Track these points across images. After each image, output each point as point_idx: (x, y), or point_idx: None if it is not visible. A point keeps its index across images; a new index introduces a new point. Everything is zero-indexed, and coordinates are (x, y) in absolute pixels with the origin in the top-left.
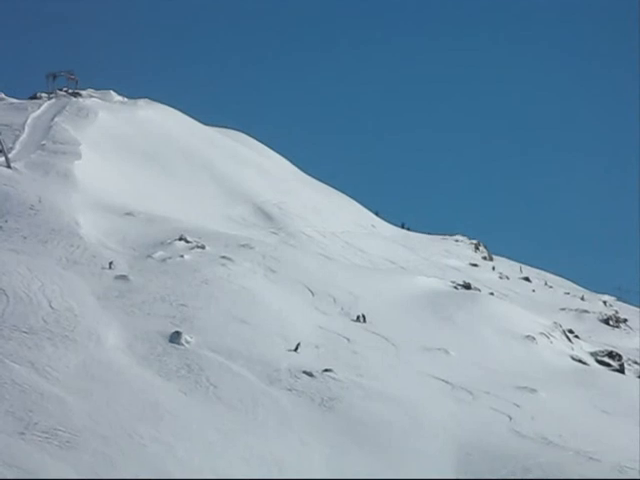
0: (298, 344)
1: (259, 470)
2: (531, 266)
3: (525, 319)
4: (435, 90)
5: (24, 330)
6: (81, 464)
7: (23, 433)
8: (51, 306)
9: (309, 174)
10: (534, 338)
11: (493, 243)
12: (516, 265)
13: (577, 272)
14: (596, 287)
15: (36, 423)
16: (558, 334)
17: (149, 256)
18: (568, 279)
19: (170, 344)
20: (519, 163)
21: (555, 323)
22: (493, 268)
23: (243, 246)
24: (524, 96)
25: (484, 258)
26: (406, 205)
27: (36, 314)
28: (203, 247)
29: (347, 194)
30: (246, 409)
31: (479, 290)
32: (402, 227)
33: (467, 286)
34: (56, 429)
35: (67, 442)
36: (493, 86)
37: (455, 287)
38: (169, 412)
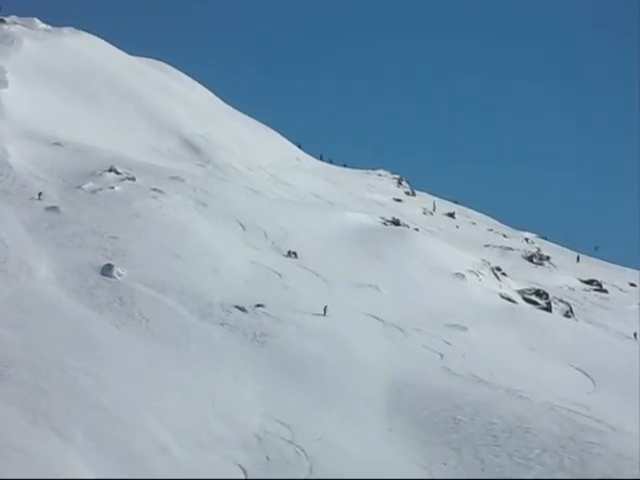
0: (325, 307)
1: (192, 404)
2: (452, 201)
3: (454, 256)
4: (360, 22)
5: None
6: (13, 396)
7: None
8: None
9: (233, 106)
10: (463, 276)
11: (415, 178)
12: (438, 200)
13: (498, 209)
14: (517, 224)
15: None
16: (487, 272)
17: (79, 187)
18: (490, 215)
19: (102, 277)
20: (440, 96)
21: (483, 260)
22: (433, 206)
23: (174, 179)
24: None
25: (407, 193)
26: (327, 138)
27: None
28: (133, 179)
29: (270, 126)
30: (178, 343)
31: (407, 226)
32: (321, 159)
33: (396, 222)
34: None
35: None
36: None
37: (384, 223)
38: (101, 345)
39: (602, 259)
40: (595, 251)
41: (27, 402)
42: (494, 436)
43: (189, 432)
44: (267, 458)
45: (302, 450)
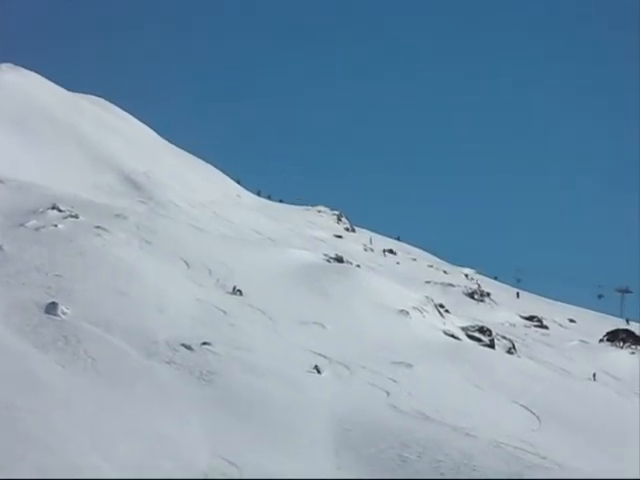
0: (316, 366)
1: (139, 443)
2: (394, 238)
3: (397, 293)
4: (295, 54)
5: None
6: None
7: None
8: None
9: (170, 141)
10: (408, 312)
11: (354, 214)
12: (379, 237)
13: (436, 245)
14: (455, 260)
15: None
16: (430, 308)
17: (22, 225)
18: (429, 251)
19: (46, 315)
20: (375, 133)
21: (427, 297)
22: (371, 241)
23: (117, 216)
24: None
25: (347, 229)
26: (264, 173)
27: None
28: (77, 216)
29: (208, 161)
30: (125, 382)
31: (351, 263)
32: (259, 195)
33: (339, 259)
34: None
35: None
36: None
37: (327, 260)
38: (46, 384)
39: (540, 294)
40: (519, 283)
41: None
42: (441, 473)
43: (137, 471)
44: None
45: None
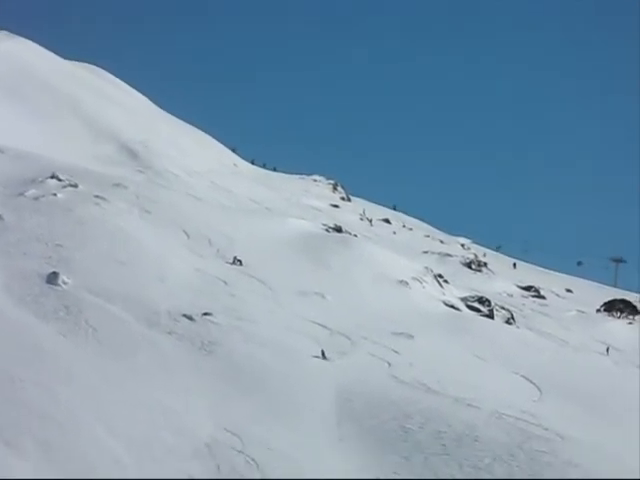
0: (322, 351)
1: (142, 414)
2: (390, 207)
3: (397, 264)
4: (301, 23)
5: None
6: None
7: None
8: None
9: (167, 110)
10: (407, 283)
11: (349, 183)
12: (374, 206)
13: (432, 214)
14: (451, 229)
15: None
16: (430, 279)
17: (21, 194)
18: (424, 221)
19: (47, 285)
20: (368, 101)
21: (426, 268)
22: (364, 212)
23: (116, 185)
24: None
25: (342, 199)
26: (259, 141)
27: None
28: (76, 186)
29: (204, 130)
30: (126, 352)
31: (350, 233)
32: (253, 163)
33: (338, 229)
34: None
35: None
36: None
37: (326, 230)
38: (49, 355)
39: (535, 264)
40: (525, 254)
41: None
42: (443, 445)
43: (141, 444)
44: (218, 468)
45: (253, 460)
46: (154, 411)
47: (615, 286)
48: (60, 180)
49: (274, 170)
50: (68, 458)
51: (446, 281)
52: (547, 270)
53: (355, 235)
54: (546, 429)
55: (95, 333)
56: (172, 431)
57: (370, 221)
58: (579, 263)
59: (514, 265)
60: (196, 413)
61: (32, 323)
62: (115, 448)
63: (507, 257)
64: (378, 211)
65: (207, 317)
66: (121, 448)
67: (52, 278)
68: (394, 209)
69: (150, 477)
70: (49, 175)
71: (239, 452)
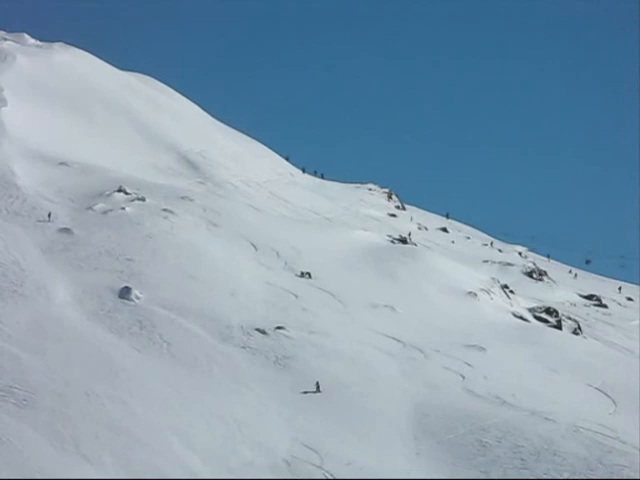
0: (317, 383)
1: (218, 428)
2: (439, 214)
3: (463, 274)
4: (347, 33)
5: None
6: (40, 423)
7: None
8: None
9: (219, 119)
10: (476, 294)
11: (401, 192)
12: (427, 214)
13: (483, 221)
14: (505, 236)
15: None
16: (497, 290)
17: (89, 208)
18: (477, 228)
19: (120, 300)
20: (424, 107)
21: (493, 279)
22: (411, 218)
23: (182, 198)
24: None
25: (397, 207)
26: (308, 149)
27: None
28: (143, 199)
29: (256, 138)
30: (201, 367)
31: (415, 245)
32: (303, 171)
33: (403, 240)
34: (11, 387)
35: (24, 400)
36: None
37: (392, 241)
38: (124, 370)
39: (591, 272)
40: (586, 265)
41: (54, 429)
42: (522, 459)
43: (218, 457)
44: None
45: (331, 475)
46: (230, 425)
47: None
48: (127, 194)
49: (322, 177)
50: (145, 472)
51: (512, 292)
52: (604, 277)
53: (415, 244)
54: (624, 442)
55: (169, 348)
56: (249, 445)
57: (426, 229)
58: (587, 262)
59: (575, 276)
60: (272, 427)
61: (106, 338)
62: (192, 461)
63: (562, 264)
64: (432, 219)
65: (280, 331)
66: (198, 462)
67: (124, 293)
68: (447, 217)
69: None
70: (116, 188)
71: (318, 467)
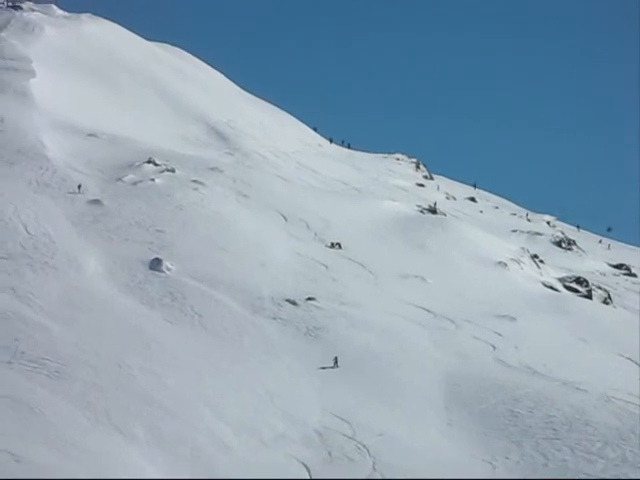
0: (335, 358)
1: (250, 400)
2: (466, 184)
3: (492, 244)
4: (379, 2)
5: (2, 256)
6: (72, 394)
7: (11, 362)
8: (27, 231)
9: (246, 89)
10: (506, 264)
11: (428, 161)
12: (455, 184)
13: (510, 191)
14: (532, 206)
15: (23, 352)
16: (527, 259)
17: (119, 179)
18: (505, 197)
19: (150, 271)
20: (451, 77)
21: (522, 248)
22: (438, 188)
23: (212, 169)
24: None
25: (425, 177)
26: (339, 120)
27: (13, 239)
28: (173, 170)
29: (284, 109)
30: (232, 338)
31: (444, 215)
32: (331, 142)
33: (433, 210)
34: (44, 358)
35: (56, 372)
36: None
37: (421, 211)
38: (155, 341)
39: (619, 240)
40: (608, 232)
41: (87, 400)
42: (554, 429)
43: (250, 429)
44: (329, 455)
45: (364, 446)
46: (262, 397)
47: None
48: (157, 165)
49: (349, 147)
50: (177, 442)
51: (542, 261)
52: (631, 246)
53: (444, 214)
54: None
55: (200, 319)
56: (281, 417)
57: (454, 199)
58: (609, 229)
59: (609, 246)
60: (304, 399)
61: (138, 310)
62: (224, 433)
63: (590, 233)
64: (460, 189)
65: (311, 302)
66: (230, 433)
67: (155, 264)
68: (474, 187)
69: (260, 462)
70: (146, 160)
71: (350, 438)
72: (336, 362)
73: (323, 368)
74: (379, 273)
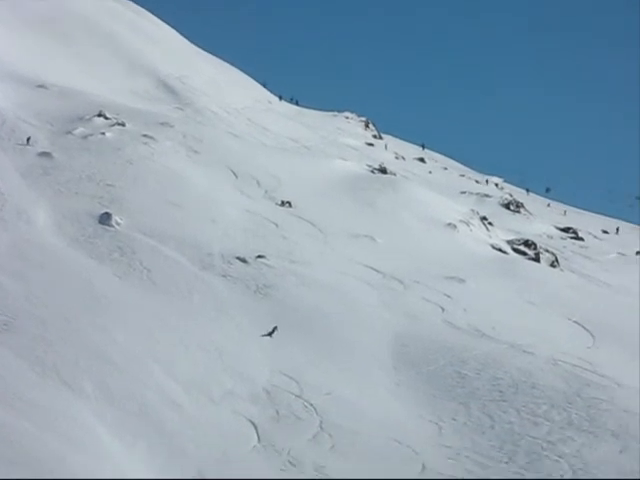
0: (274, 328)
1: (199, 357)
2: (415, 144)
3: (444, 206)
4: None
5: None
6: (20, 347)
7: None
8: None
9: (198, 46)
10: (455, 226)
11: (377, 120)
12: (403, 144)
13: (459, 151)
14: (481, 167)
15: None
16: (476, 222)
17: (69, 132)
18: (453, 159)
19: (100, 225)
20: (401, 34)
21: (472, 210)
22: (386, 147)
23: (162, 124)
24: None
25: (374, 136)
26: (282, 76)
27: None
28: (123, 124)
29: (235, 65)
30: (181, 294)
31: (394, 174)
32: (280, 99)
33: (383, 170)
34: None
35: (4, 325)
36: None
37: (372, 171)
38: (105, 296)
39: (569, 204)
40: (546, 192)
41: (35, 354)
42: (501, 391)
43: (199, 386)
44: (277, 413)
45: (311, 405)
46: (211, 354)
47: None
48: (107, 118)
49: (297, 104)
50: (126, 399)
51: (490, 223)
52: (580, 210)
53: (394, 174)
54: (602, 376)
55: (150, 275)
56: (230, 374)
57: (403, 159)
58: (547, 190)
59: (562, 210)
60: (253, 356)
61: (87, 264)
62: (173, 390)
63: (537, 196)
64: (409, 149)
65: (260, 260)
66: (179, 390)
67: (105, 219)
68: (423, 147)
69: (209, 419)
70: (96, 113)
71: (297, 397)
72: (274, 331)
73: (263, 336)
74: (329, 232)
